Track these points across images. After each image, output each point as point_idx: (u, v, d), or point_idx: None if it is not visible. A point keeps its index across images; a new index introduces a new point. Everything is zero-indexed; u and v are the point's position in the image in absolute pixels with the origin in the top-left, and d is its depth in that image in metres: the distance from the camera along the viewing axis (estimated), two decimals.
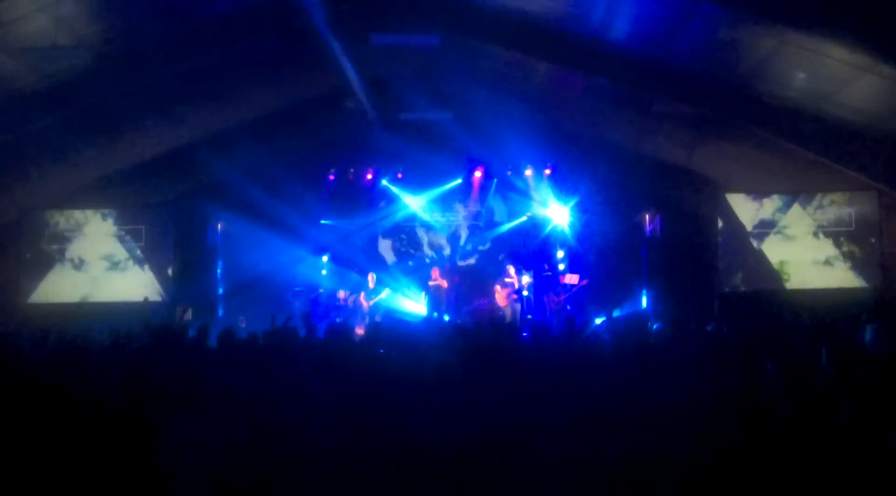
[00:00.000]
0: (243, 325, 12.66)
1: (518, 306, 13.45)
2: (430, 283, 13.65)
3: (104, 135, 11.90)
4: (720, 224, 12.36)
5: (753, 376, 4.27)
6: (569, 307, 13.23)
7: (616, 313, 12.37)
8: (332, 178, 14.42)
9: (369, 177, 14.48)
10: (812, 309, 10.29)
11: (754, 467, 3.23)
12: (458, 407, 3.70)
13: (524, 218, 14.60)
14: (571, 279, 13.42)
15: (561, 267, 14.09)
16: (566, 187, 14.22)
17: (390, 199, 14.70)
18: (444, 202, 14.83)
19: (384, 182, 14.48)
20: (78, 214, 13.23)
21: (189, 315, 12.63)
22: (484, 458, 3.40)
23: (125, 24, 9.55)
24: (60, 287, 12.86)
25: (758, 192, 12.68)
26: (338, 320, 12.37)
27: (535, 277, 14.09)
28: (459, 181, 14.48)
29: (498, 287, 13.55)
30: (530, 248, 14.42)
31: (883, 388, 3.36)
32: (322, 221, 14.41)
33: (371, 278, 13.76)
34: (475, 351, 5.90)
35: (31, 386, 4.92)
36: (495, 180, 14.50)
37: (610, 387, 4.36)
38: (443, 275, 13.71)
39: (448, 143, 13.32)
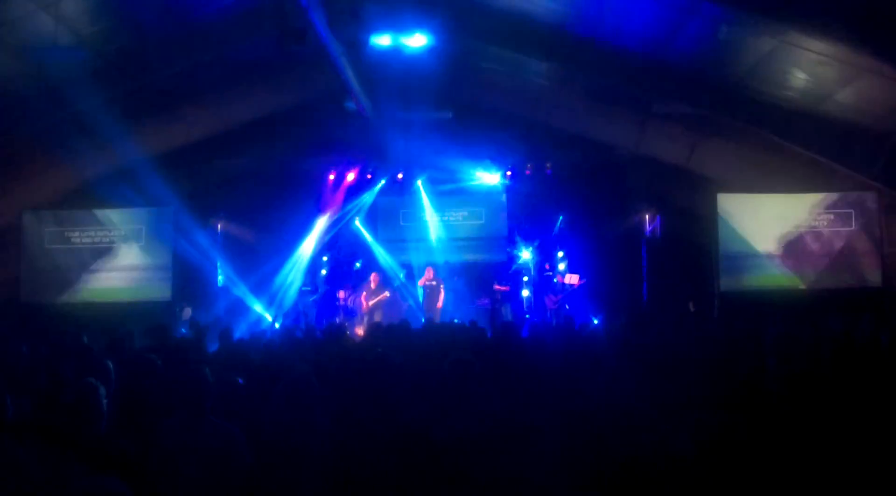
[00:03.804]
0: (243, 325, 12.66)
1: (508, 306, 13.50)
2: (422, 282, 13.66)
3: (104, 135, 11.89)
4: (720, 224, 12.34)
5: (754, 375, 4.26)
6: (567, 307, 13.23)
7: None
8: (332, 178, 14.44)
9: (369, 176, 14.48)
10: (812, 309, 10.28)
11: (755, 465, 3.23)
12: (464, 405, 3.70)
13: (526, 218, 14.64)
14: (571, 279, 13.42)
15: (561, 267, 14.10)
16: (566, 187, 14.23)
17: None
18: (448, 201, 14.85)
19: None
20: (78, 214, 13.21)
21: (189, 315, 12.63)
22: (486, 457, 3.39)
23: (125, 24, 9.56)
24: (60, 287, 12.84)
25: (757, 192, 12.66)
26: (337, 320, 12.38)
27: (534, 277, 14.11)
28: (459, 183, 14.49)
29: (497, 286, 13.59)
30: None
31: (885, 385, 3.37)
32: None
33: (374, 278, 13.76)
34: (481, 350, 5.91)
35: (29, 386, 4.92)
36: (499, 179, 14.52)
37: (610, 386, 4.36)
38: (439, 275, 13.72)
39: (448, 143, 13.33)
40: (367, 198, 14.81)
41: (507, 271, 14.24)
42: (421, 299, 13.71)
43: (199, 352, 5.95)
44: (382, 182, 14.67)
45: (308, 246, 14.32)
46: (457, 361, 3.93)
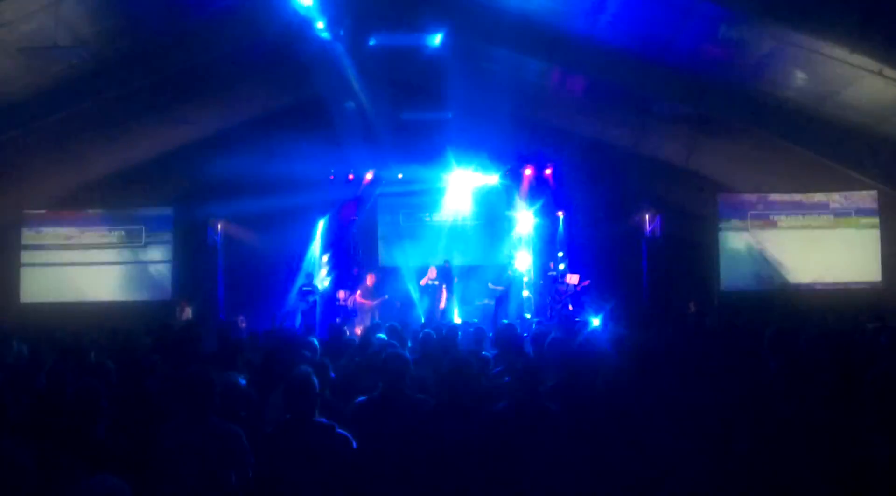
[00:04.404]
0: (243, 325, 12.65)
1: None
2: (424, 282, 13.65)
3: (104, 135, 11.90)
4: (720, 224, 12.34)
5: (756, 377, 4.25)
6: (571, 307, 13.21)
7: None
8: (332, 178, 14.42)
9: (369, 176, 14.47)
10: (812, 309, 10.28)
11: (759, 469, 3.23)
12: (465, 407, 3.70)
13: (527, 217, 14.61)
14: (572, 279, 13.41)
15: (561, 267, 14.09)
16: (566, 187, 14.22)
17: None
18: (448, 202, 14.82)
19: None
20: (78, 214, 13.22)
21: (189, 315, 12.62)
22: (490, 459, 3.39)
23: (125, 24, 9.55)
24: (60, 287, 12.85)
25: (757, 192, 12.67)
26: (337, 320, 12.37)
27: (534, 277, 14.11)
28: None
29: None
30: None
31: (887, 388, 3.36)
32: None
33: (370, 278, 13.74)
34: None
35: (29, 386, 4.92)
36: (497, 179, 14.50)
37: (612, 388, 4.35)
38: (440, 275, 13.70)
39: (448, 144, 13.32)
40: (368, 198, 14.82)
41: (506, 271, 14.24)
42: (421, 299, 13.70)
43: (196, 351, 5.93)
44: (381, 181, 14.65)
45: (311, 248, 14.34)
46: (454, 361, 3.94)
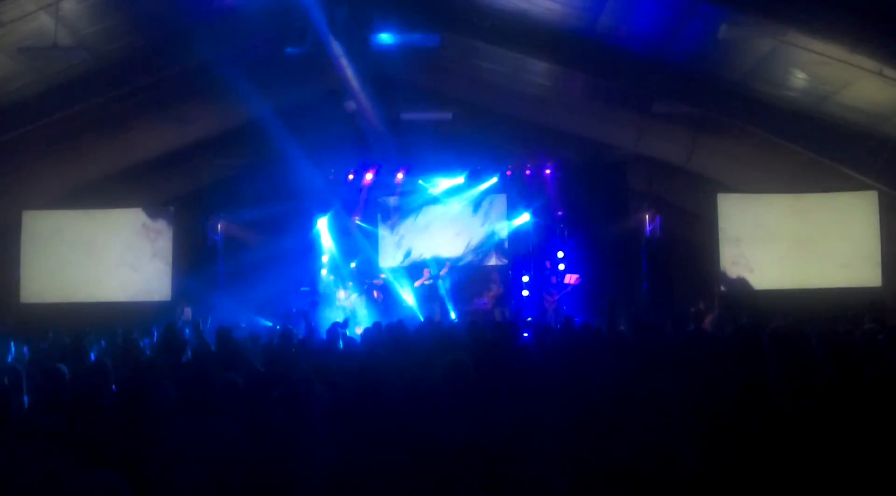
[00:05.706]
0: (243, 326, 12.65)
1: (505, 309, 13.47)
2: (420, 283, 13.67)
3: (104, 134, 11.91)
4: (720, 224, 12.34)
5: (754, 375, 4.26)
6: (564, 307, 13.21)
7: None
8: (331, 177, 14.42)
9: (369, 177, 14.47)
10: (812, 309, 10.27)
11: (757, 466, 3.23)
12: (463, 407, 3.69)
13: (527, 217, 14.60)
14: (570, 279, 13.41)
15: (561, 267, 14.09)
16: (566, 187, 14.22)
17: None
18: (447, 202, 14.80)
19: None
20: (78, 214, 13.22)
21: (189, 315, 12.62)
22: (489, 459, 3.39)
23: (125, 24, 9.56)
24: (60, 287, 12.85)
25: (757, 192, 12.67)
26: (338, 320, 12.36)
27: (533, 277, 14.11)
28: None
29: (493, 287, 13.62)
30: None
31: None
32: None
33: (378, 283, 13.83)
34: (482, 350, 5.90)
35: (29, 385, 4.92)
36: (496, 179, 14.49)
37: (611, 386, 4.36)
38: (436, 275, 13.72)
39: (448, 144, 13.33)
40: (368, 198, 14.81)
41: (506, 272, 14.24)
42: (417, 300, 13.71)
43: (203, 352, 5.95)
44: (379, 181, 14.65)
45: (311, 248, 14.35)
46: (453, 363, 3.93)
